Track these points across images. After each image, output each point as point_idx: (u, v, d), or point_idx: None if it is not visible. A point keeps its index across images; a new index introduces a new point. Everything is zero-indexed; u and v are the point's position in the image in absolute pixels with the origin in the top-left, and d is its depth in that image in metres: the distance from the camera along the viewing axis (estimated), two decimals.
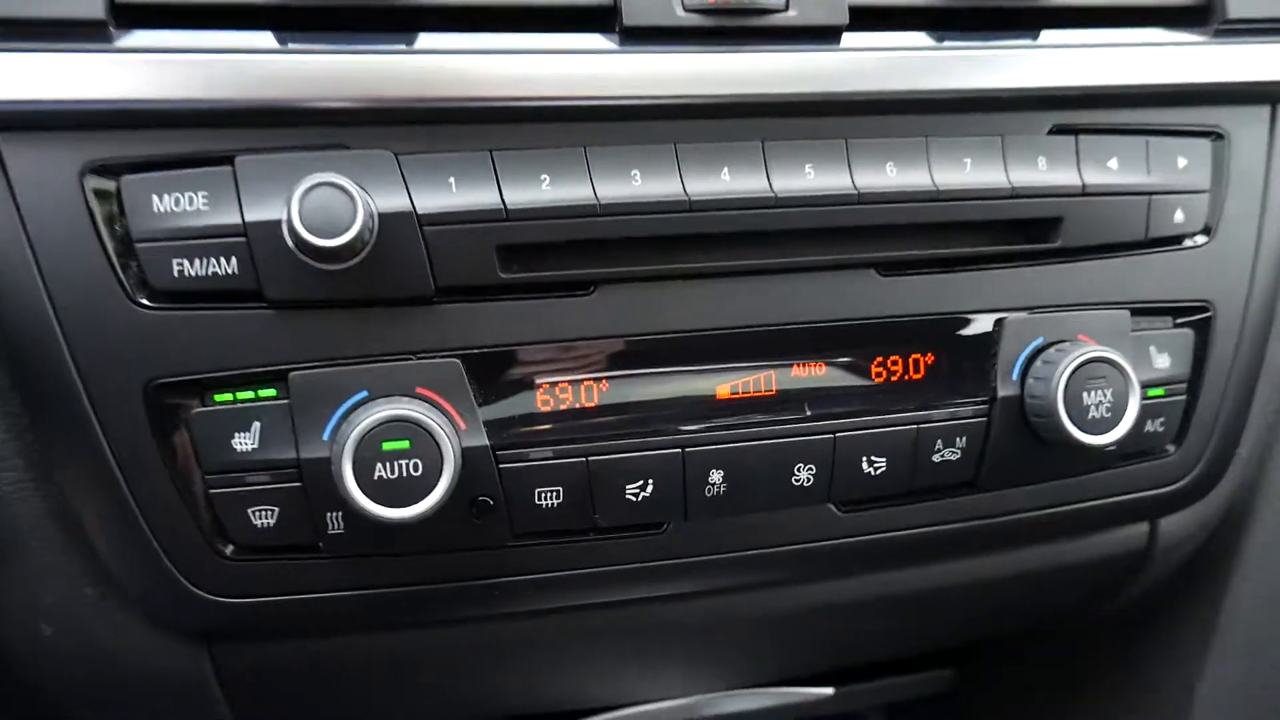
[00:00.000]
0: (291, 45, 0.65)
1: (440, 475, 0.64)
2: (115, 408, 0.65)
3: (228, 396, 0.66)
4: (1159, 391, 0.80)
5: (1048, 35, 0.77)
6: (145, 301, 0.64)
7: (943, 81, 0.73)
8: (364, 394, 0.66)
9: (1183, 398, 0.81)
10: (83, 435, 0.65)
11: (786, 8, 0.70)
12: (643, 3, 0.68)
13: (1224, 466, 0.86)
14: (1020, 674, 1.18)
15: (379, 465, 0.63)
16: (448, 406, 0.67)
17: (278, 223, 0.63)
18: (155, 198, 0.64)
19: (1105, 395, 0.73)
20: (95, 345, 0.64)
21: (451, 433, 0.65)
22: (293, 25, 0.66)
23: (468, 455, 0.66)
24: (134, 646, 0.74)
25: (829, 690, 1.17)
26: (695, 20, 0.69)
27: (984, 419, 0.76)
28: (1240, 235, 0.82)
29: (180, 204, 0.64)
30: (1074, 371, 0.73)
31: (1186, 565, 0.95)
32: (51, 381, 0.65)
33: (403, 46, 0.67)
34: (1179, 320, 0.81)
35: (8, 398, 0.68)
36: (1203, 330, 0.81)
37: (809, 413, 0.74)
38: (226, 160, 0.64)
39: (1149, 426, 0.80)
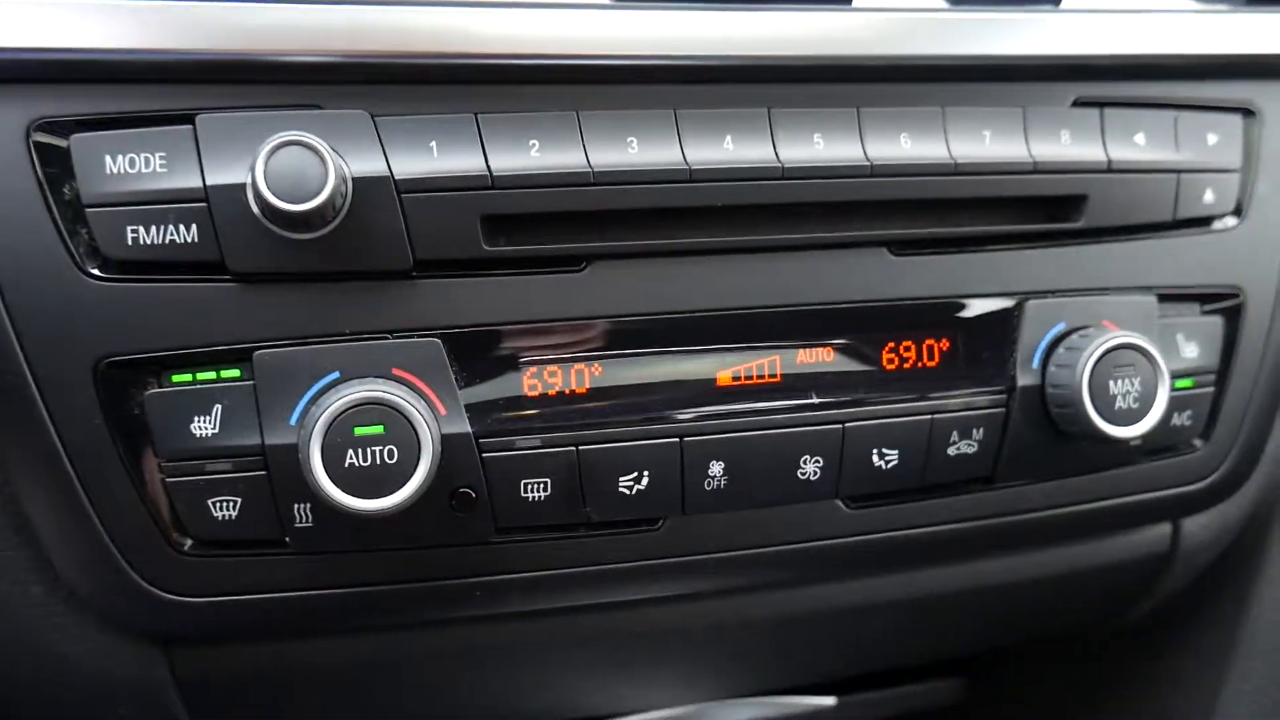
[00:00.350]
0: None
1: (417, 464, 0.58)
2: (63, 388, 0.59)
3: (186, 377, 0.61)
4: (1187, 383, 0.75)
5: (1070, 1, 0.72)
6: (96, 272, 0.59)
7: (961, 46, 0.69)
8: (335, 375, 0.61)
9: (1211, 390, 0.76)
10: (28, 417, 0.60)
11: None
12: None
13: (1252, 464, 0.81)
14: (1035, 685, 1.13)
15: (350, 452, 0.58)
16: (426, 389, 0.62)
17: (242, 186, 0.58)
18: (108, 158, 0.58)
19: (1133, 385, 0.69)
20: (41, 319, 0.59)
21: (430, 418, 0.59)
22: None
23: (448, 442, 0.61)
24: (85, 650, 0.68)
25: (831, 700, 1.11)
26: None
27: (1002, 410, 0.71)
28: (1272, 217, 0.77)
29: (135, 165, 0.59)
30: (1100, 359, 0.68)
31: (1208, 571, 0.90)
32: None
33: None
34: (1207, 307, 0.77)
35: None
36: (1233, 318, 0.77)
37: (816, 401, 0.68)
38: (187, 119, 0.59)
39: (1175, 420, 0.75)
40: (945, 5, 0.70)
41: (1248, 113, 0.76)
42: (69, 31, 0.57)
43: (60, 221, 0.59)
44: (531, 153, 0.62)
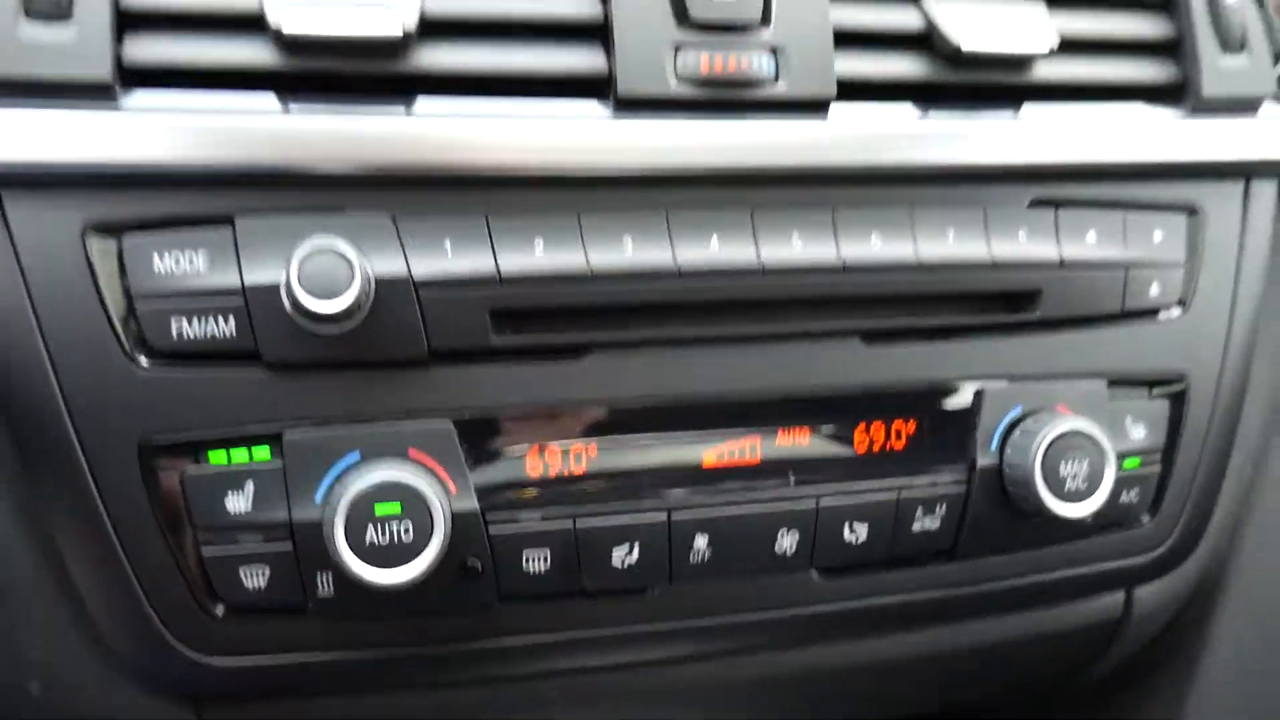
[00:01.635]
0: (293, 107, 0.67)
1: (430, 539, 0.64)
2: (110, 464, 0.65)
3: (222, 457, 0.67)
4: (1134, 462, 0.81)
5: (1029, 109, 0.79)
6: (143, 360, 0.65)
7: (927, 155, 0.75)
8: (356, 455, 0.67)
9: (1158, 468, 0.83)
10: (77, 489, 0.66)
11: (776, 80, 0.72)
12: (637, 72, 0.70)
13: (1198, 537, 0.88)
14: None
15: (370, 528, 0.64)
16: (439, 470, 0.68)
17: (276, 287, 0.64)
18: (156, 257, 0.65)
19: (1081, 467, 0.75)
20: (92, 402, 0.65)
21: (443, 497, 0.65)
22: (295, 88, 0.67)
23: (458, 519, 0.67)
24: (121, 706, 0.73)
25: None
26: (688, 91, 0.71)
27: (963, 489, 0.77)
28: (1214, 307, 0.84)
29: (180, 264, 0.65)
30: (1051, 444, 0.74)
31: (1160, 636, 0.96)
32: (47, 435, 0.65)
33: (401, 110, 0.68)
34: (1155, 391, 0.83)
35: (1, 447, 0.68)
36: (1178, 401, 0.83)
37: (793, 480, 0.75)
38: (226, 220, 0.65)
39: (1124, 497, 0.81)
40: (915, 116, 0.77)
41: (1191, 212, 0.83)
42: (123, 144, 0.63)
43: (111, 313, 0.65)
44: (537, 252, 0.69)
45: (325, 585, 0.67)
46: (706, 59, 0.71)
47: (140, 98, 0.65)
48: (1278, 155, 0.84)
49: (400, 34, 0.66)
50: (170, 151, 0.64)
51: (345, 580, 0.65)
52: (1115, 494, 0.77)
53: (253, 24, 0.66)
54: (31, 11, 0.62)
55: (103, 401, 0.65)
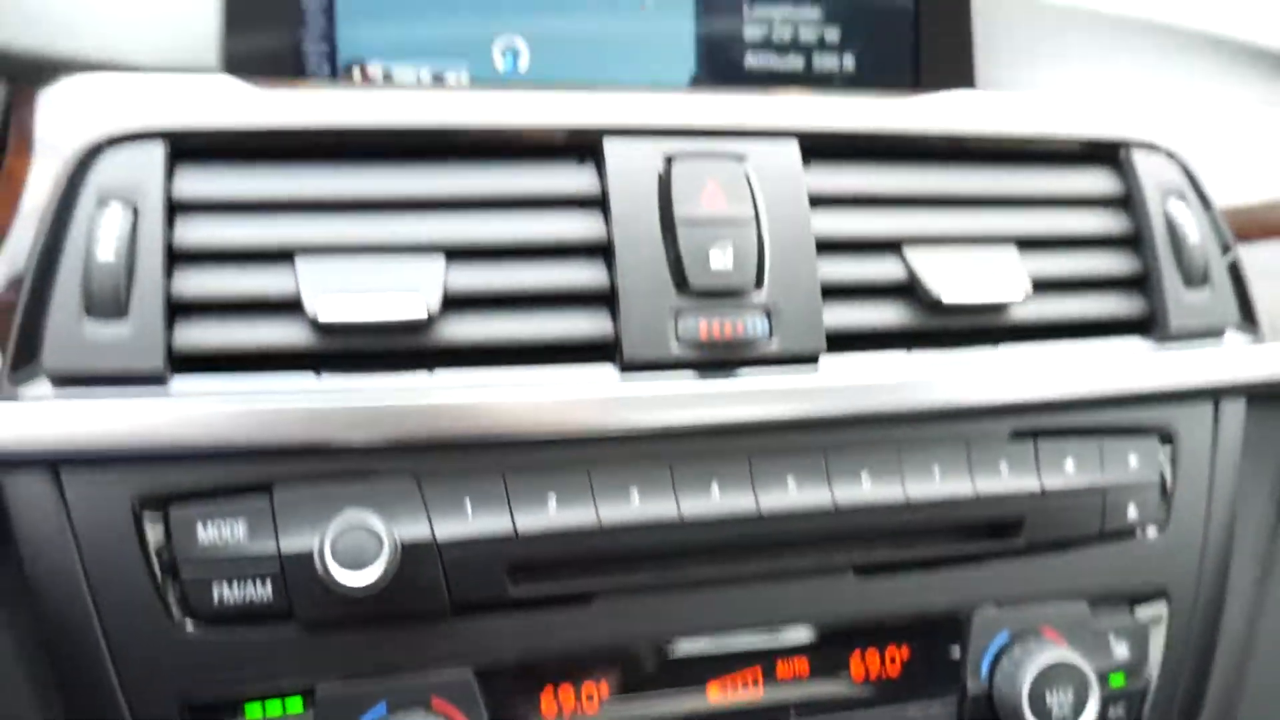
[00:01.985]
0: (325, 382, 0.73)
1: None
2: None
3: (257, 710, 0.72)
4: (1119, 678, 0.86)
5: (1006, 349, 0.85)
6: (187, 624, 0.70)
7: (912, 399, 0.81)
8: (383, 708, 0.72)
9: (1141, 685, 0.87)
10: None
11: (770, 338, 0.78)
12: (641, 339, 0.76)
13: None
14: None
15: None
16: (461, 718, 0.72)
17: (310, 554, 0.69)
18: (200, 527, 0.70)
19: (1067, 696, 0.79)
20: (138, 661, 0.70)
21: None
22: (328, 364, 0.73)
23: None
24: None
25: None
26: (688, 354, 0.77)
27: (955, 714, 0.81)
28: (1190, 525, 0.89)
29: (222, 533, 0.70)
30: (1037, 675, 0.79)
31: None
32: (94, 691, 0.70)
33: (425, 382, 0.74)
34: (1137, 609, 0.88)
35: (51, 701, 0.73)
36: (1158, 619, 0.88)
37: (793, 712, 0.79)
38: (265, 489, 0.71)
39: (1111, 713, 0.85)
40: (900, 362, 0.82)
41: (1164, 435, 0.88)
42: (172, 425, 0.69)
43: (158, 579, 0.70)
44: (550, 509, 0.74)
45: None
46: (705, 325, 0.77)
47: (187, 383, 0.71)
48: (1244, 378, 0.89)
49: (425, 316, 0.72)
50: (214, 432, 0.70)
51: None
52: (1102, 713, 0.81)
53: (290, 309, 0.72)
54: (92, 310, 0.69)
55: (148, 661, 0.70)
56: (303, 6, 0.83)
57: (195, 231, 0.72)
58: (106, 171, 0.71)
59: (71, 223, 0.70)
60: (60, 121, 0.72)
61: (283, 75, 0.82)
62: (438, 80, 0.86)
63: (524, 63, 0.88)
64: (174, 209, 0.72)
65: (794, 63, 0.92)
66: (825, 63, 0.93)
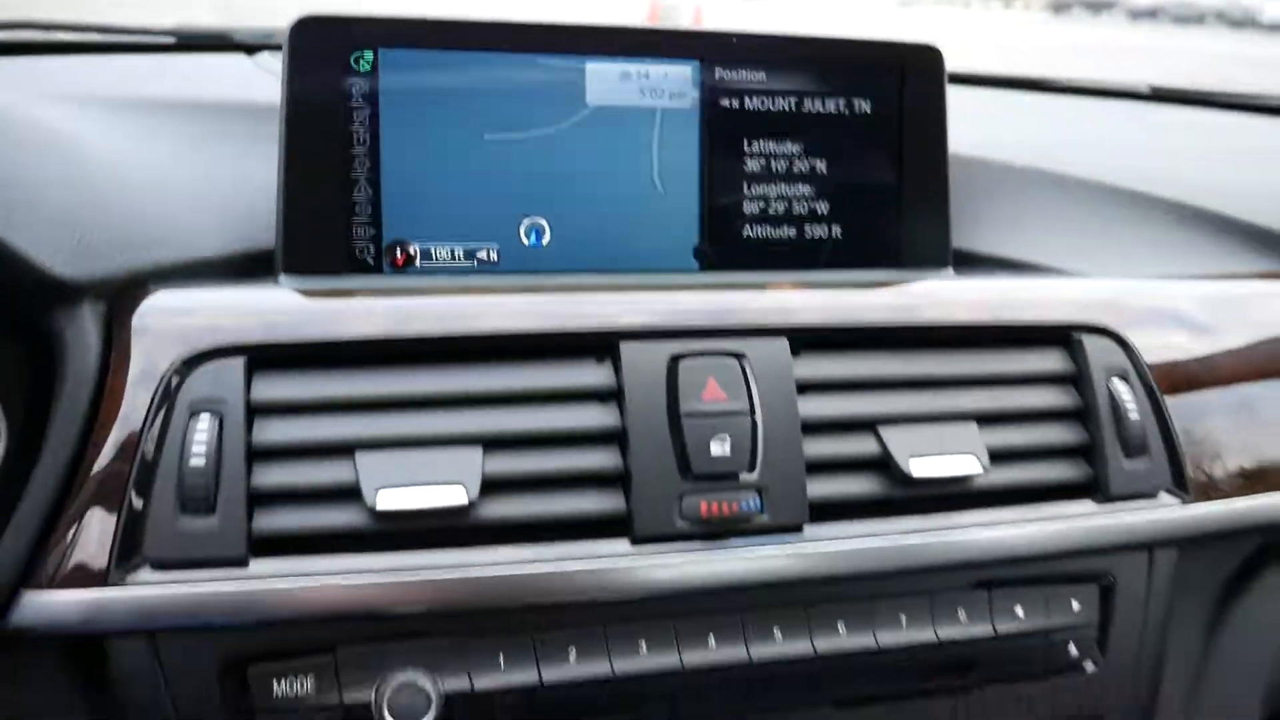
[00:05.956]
0: (381, 561, 0.84)
1: None
2: None
3: None
4: None
5: (967, 514, 0.97)
6: None
7: (883, 562, 0.93)
8: None
9: None
10: None
11: (761, 513, 0.91)
12: (649, 516, 0.88)
13: None
14: None
15: None
16: None
17: (368, 705, 0.82)
18: (275, 683, 0.83)
19: None
20: None
21: None
22: (382, 545, 0.85)
23: None
24: None
25: None
26: (690, 528, 0.89)
27: None
28: (1125, 657, 1.02)
29: (293, 687, 0.83)
30: None
31: None
32: None
33: (464, 556, 0.86)
34: None
35: None
36: None
37: None
38: (329, 649, 0.84)
39: None
40: (875, 528, 0.94)
41: (1103, 582, 1.01)
42: (250, 601, 0.81)
43: None
44: (571, 661, 0.87)
45: None
46: (705, 505, 0.89)
47: (265, 564, 0.82)
48: (1174, 533, 1.02)
49: (466, 502, 0.84)
50: (286, 602, 0.82)
51: None
52: None
53: (350, 496, 0.84)
54: (185, 508, 0.81)
55: None
56: (354, 199, 0.95)
57: (271, 433, 0.84)
58: (196, 383, 0.83)
59: (168, 431, 0.82)
60: (153, 342, 0.84)
61: (335, 260, 0.93)
62: (469, 257, 0.98)
63: (546, 239, 1.00)
64: (252, 412, 0.84)
65: (788, 232, 1.04)
66: (816, 232, 1.05)
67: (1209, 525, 1.05)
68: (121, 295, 0.87)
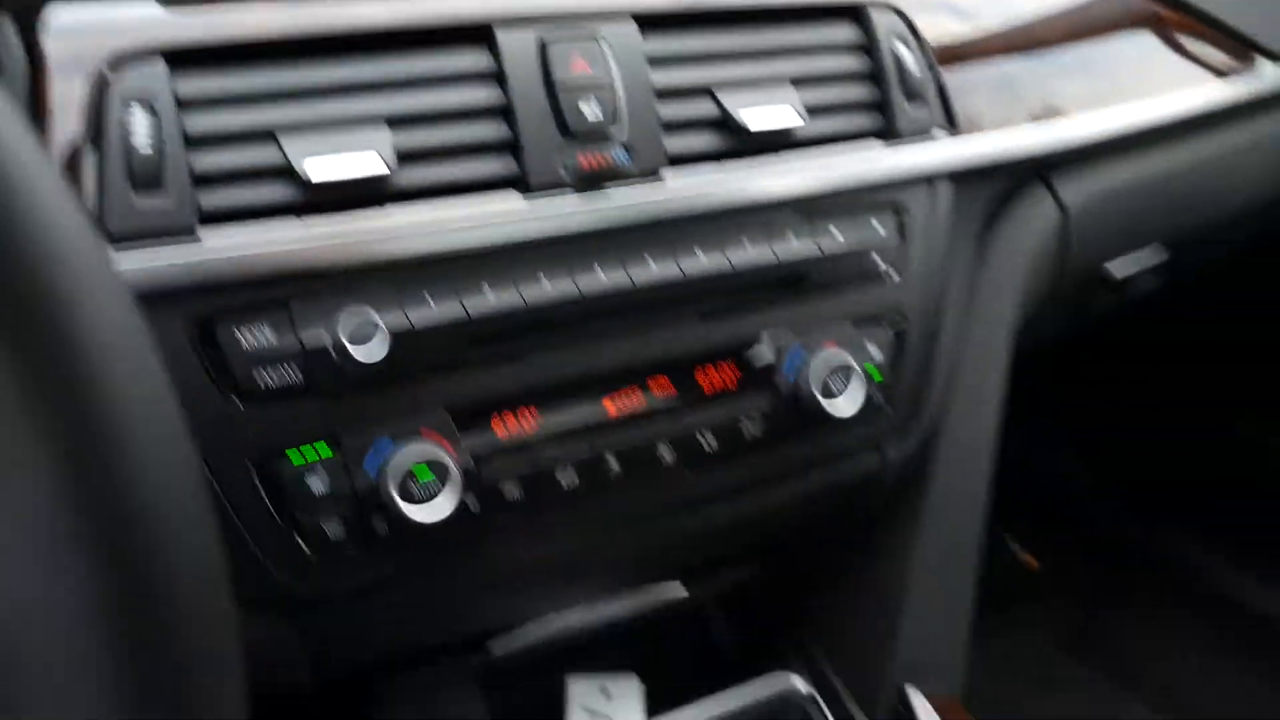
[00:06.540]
0: (315, 226, 0.97)
1: (447, 485, 1.01)
2: (227, 471, 0.99)
3: (295, 455, 1.00)
4: (875, 372, 1.26)
5: (792, 157, 1.19)
6: (238, 403, 0.97)
7: (729, 200, 1.14)
8: (388, 441, 1.01)
9: (890, 377, 1.29)
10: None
11: (630, 163, 1.10)
12: (539, 172, 1.05)
13: (920, 414, 1.36)
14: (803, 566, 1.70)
15: (411, 484, 1.00)
16: (444, 442, 1.04)
17: (325, 348, 0.98)
18: (241, 337, 0.95)
19: (844, 384, 1.19)
20: (203, 434, 0.95)
21: (451, 458, 1.02)
22: (312, 213, 0.98)
23: (465, 470, 1.03)
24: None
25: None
26: (573, 179, 1.07)
27: (775, 404, 1.20)
28: (919, 268, 1.29)
29: (257, 336, 0.97)
30: (826, 374, 1.18)
31: (898, 486, 1.46)
32: None
33: (387, 217, 1.01)
34: (887, 326, 1.28)
35: None
36: (900, 332, 1.28)
37: (665, 413, 1.15)
38: (284, 304, 0.98)
39: (871, 394, 1.26)
40: (718, 173, 1.15)
41: (898, 209, 1.26)
42: (206, 269, 0.95)
43: (212, 374, 0.94)
44: (489, 298, 1.04)
45: (382, 528, 1.04)
46: (583, 158, 1.07)
47: (215, 232, 0.94)
48: (947, 166, 1.29)
49: (386, 172, 0.99)
50: (242, 267, 0.96)
51: (396, 521, 1.01)
52: (868, 395, 1.22)
53: (282, 174, 0.97)
54: (137, 185, 0.93)
55: (211, 431, 0.95)
56: None
57: (201, 123, 0.95)
58: (125, 81, 0.93)
59: (109, 121, 0.92)
60: (80, 46, 0.93)
61: None
62: None
63: None
64: (180, 106, 0.95)
65: None
66: None
67: (973, 161, 1.33)
68: (28, 8, 0.94)
